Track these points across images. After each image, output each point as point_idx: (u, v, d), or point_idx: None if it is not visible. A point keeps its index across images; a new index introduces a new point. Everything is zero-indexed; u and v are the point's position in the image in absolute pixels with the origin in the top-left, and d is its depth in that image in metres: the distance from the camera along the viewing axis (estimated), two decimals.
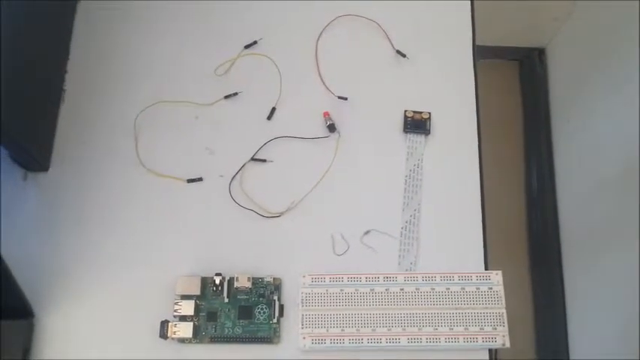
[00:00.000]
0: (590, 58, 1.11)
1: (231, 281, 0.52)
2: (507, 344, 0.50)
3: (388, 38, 0.61)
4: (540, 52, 1.28)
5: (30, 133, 0.54)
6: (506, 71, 1.31)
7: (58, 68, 0.60)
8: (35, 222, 0.55)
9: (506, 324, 0.51)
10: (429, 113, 0.58)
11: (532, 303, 1.17)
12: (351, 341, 0.50)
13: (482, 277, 0.52)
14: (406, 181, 0.56)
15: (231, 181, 0.56)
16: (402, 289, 0.51)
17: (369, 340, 0.50)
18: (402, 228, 0.55)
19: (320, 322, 0.51)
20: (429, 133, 0.58)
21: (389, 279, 0.52)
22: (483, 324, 0.51)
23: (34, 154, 0.55)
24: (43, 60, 0.57)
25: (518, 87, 1.31)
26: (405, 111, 0.58)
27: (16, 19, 0.50)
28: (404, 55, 0.61)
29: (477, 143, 0.58)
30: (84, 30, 0.62)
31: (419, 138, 0.58)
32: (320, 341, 0.50)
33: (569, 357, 1.09)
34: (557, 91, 1.23)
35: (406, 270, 0.53)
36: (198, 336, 0.50)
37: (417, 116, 0.58)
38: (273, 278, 0.52)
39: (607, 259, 0.99)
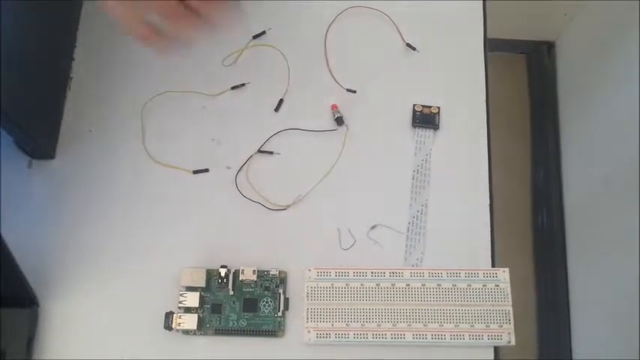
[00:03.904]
0: (599, 52, 1.10)
1: (236, 274, 0.51)
2: (513, 342, 0.50)
3: (398, 31, 0.60)
4: (549, 46, 1.27)
5: (35, 120, 0.54)
6: (514, 64, 1.31)
7: (65, 56, 0.59)
8: (40, 210, 0.55)
9: (512, 321, 0.50)
10: (439, 108, 0.57)
11: (536, 300, 1.17)
12: (356, 336, 0.50)
13: (489, 274, 0.52)
14: (414, 176, 0.56)
15: (237, 173, 0.56)
16: (407, 285, 0.51)
17: (374, 335, 0.50)
18: (409, 223, 0.54)
19: (325, 316, 0.50)
20: (438, 127, 0.57)
21: (395, 274, 0.52)
22: (489, 321, 0.50)
23: (39, 141, 0.55)
24: (49, 47, 0.56)
25: (526, 81, 1.30)
26: (414, 105, 0.58)
27: (24, 6, 0.50)
28: (414, 49, 0.60)
29: (485, 138, 0.58)
30: (91, 17, 0.61)
31: (427, 132, 0.57)
32: (325, 335, 0.50)
33: (571, 354, 1.09)
34: (565, 85, 1.23)
35: (412, 266, 0.53)
36: (202, 328, 0.50)
37: (426, 110, 0.57)
38: (279, 271, 0.52)
39: (612, 257, 0.99)
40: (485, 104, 0.59)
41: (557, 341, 1.11)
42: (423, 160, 0.56)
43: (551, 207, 1.19)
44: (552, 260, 1.16)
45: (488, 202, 0.55)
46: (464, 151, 0.57)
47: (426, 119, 0.57)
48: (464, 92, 0.59)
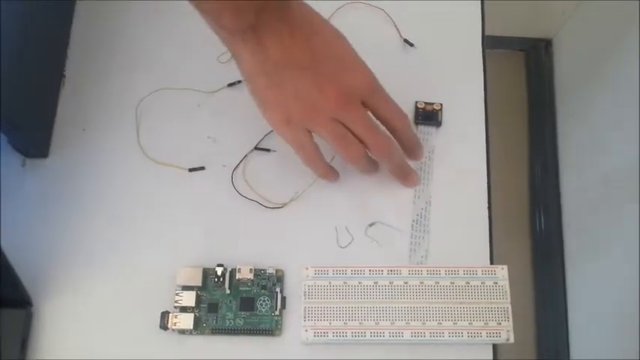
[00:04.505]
0: (597, 50, 1.10)
1: (233, 272, 0.51)
2: (512, 339, 0.50)
3: (396, 27, 0.60)
4: (547, 44, 1.27)
5: (29, 118, 0.53)
6: (511, 62, 1.30)
7: (59, 54, 0.59)
8: (34, 209, 0.54)
9: (510, 319, 0.50)
10: (441, 104, 0.57)
11: (533, 298, 1.17)
12: (354, 334, 0.49)
13: (487, 272, 0.51)
14: (417, 172, 0.55)
15: (233, 171, 0.55)
16: (406, 283, 0.51)
17: (372, 334, 0.49)
18: (413, 221, 0.54)
19: (322, 315, 0.50)
20: (441, 124, 0.57)
21: (393, 272, 0.51)
22: (488, 319, 0.50)
23: (33, 140, 0.54)
24: (42, 45, 0.56)
25: (524, 78, 1.30)
26: (417, 102, 0.57)
27: (16, 3, 0.49)
28: (412, 45, 0.59)
29: (484, 136, 0.57)
30: (85, 15, 0.61)
31: (430, 130, 0.57)
32: (322, 334, 0.49)
33: (569, 353, 1.09)
34: (563, 83, 1.22)
35: (417, 264, 0.53)
36: (198, 327, 0.50)
37: (429, 107, 0.57)
38: (276, 270, 0.52)
39: (610, 256, 0.99)
40: (483, 101, 0.58)
41: (556, 341, 1.11)
42: (425, 157, 0.56)
43: (548, 205, 1.18)
44: (550, 259, 1.16)
45: (487, 199, 0.55)
46: (463, 149, 0.57)
47: (428, 116, 0.57)
48: (462, 89, 0.59)
